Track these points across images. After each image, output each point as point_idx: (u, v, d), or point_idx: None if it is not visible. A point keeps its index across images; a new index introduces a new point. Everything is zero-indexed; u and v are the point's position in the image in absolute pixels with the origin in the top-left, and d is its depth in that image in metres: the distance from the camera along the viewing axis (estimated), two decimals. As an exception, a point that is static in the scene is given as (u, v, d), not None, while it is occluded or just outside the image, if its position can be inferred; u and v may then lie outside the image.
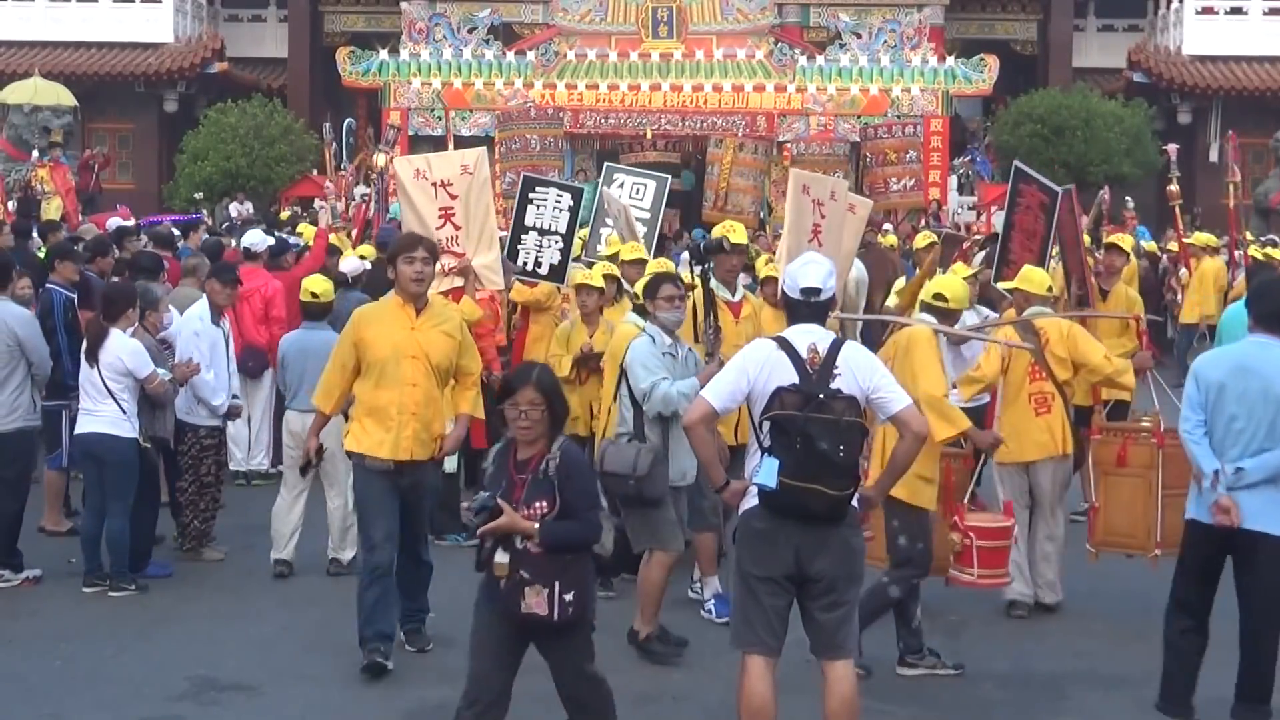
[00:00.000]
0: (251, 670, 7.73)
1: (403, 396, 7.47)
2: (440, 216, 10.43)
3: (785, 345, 5.90)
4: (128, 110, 33.74)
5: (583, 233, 13.38)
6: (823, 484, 5.67)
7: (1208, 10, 33.56)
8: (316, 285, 9.94)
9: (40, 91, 27.37)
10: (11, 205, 20.46)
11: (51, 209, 21.31)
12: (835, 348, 5.86)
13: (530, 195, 12.82)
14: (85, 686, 7.40)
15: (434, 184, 10.47)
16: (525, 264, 12.28)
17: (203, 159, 30.03)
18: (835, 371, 5.81)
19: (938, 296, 7.97)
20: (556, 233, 13.13)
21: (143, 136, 34.31)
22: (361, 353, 7.58)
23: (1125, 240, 13.15)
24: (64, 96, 27.65)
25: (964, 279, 8.70)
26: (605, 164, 15.59)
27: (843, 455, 5.67)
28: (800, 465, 5.64)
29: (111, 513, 9.11)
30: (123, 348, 9.11)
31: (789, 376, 5.79)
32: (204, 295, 10.37)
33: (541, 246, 12.74)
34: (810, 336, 5.93)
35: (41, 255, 13.44)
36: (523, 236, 12.72)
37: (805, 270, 6.05)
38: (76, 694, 7.29)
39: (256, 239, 13.62)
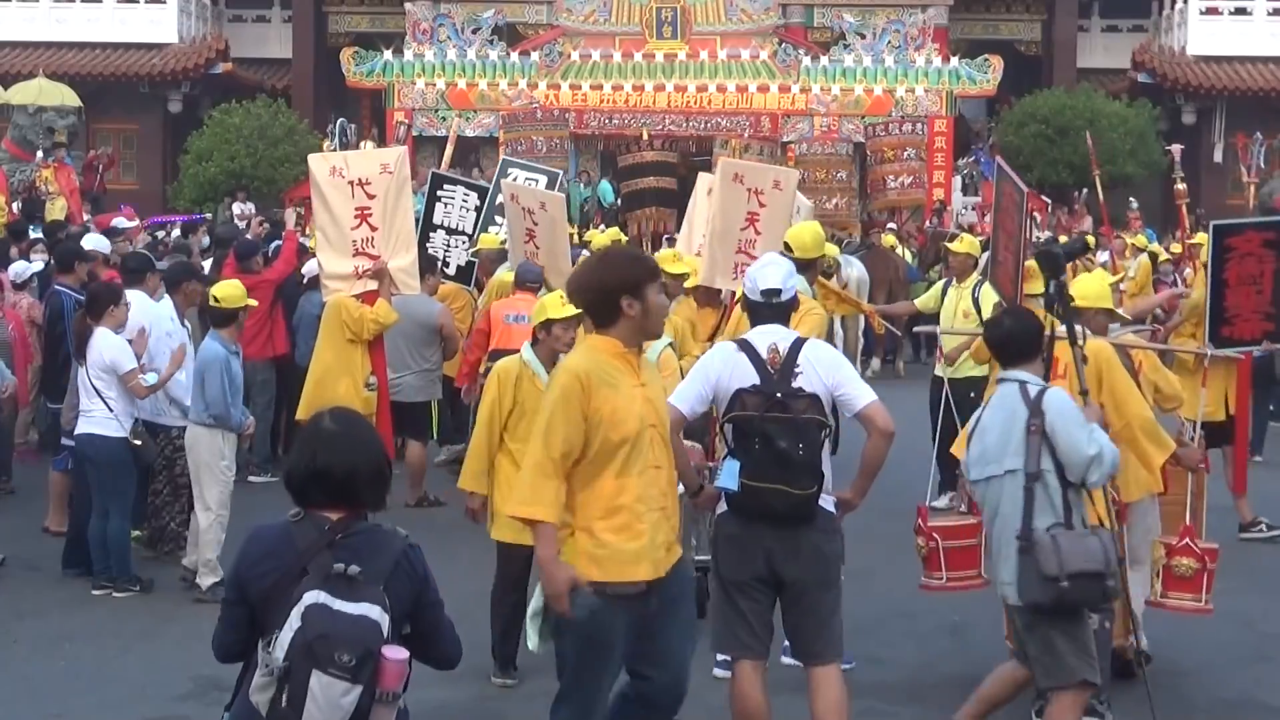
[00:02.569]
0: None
1: (648, 486, 5.34)
2: (356, 216, 9.95)
3: (746, 346, 5.95)
4: (132, 111, 33.74)
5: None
6: (784, 483, 5.69)
7: (1212, 11, 33.52)
8: (222, 290, 9.36)
9: (45, 92, 27.36)
10: (16, 206, 20.49)
11: (56, 209, 21.33)
12: (796, 347, 5.89)
13: (439, 193, 12.79)
14: (89, 686, 7.41)
15: (351, 182, 9.93)
16: (435, 264, 12.33)
17: (207, 159, 30.04)
18: (796, 370, 5.83)
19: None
20: (463, 232, 13.14)
21: (147, 137, 34.32)
22: (595, 431, 5.23)
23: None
24: (68, 97, 27.65)
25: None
26: (502, 158, 15.42)
27: (802, 453, 5.69)
28: (760, 465, 5.68)
29: (111, 513, 9.10)
30: (104, 344, 9.07)
31: (749, 378, 5.82)
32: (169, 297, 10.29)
33: (449, 246, 12.74)
34: (771, 337, 5.97)
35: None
36: (431, 235, 12.72)
37: (765, 272, 6.10)
38: (80, 694, 7.29)
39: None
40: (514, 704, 7.43)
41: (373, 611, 3.85)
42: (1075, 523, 5.88)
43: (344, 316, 9.99)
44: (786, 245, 8.00)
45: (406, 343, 11.27)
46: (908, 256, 22.38)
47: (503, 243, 12.75)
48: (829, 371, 5.85)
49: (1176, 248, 20.27)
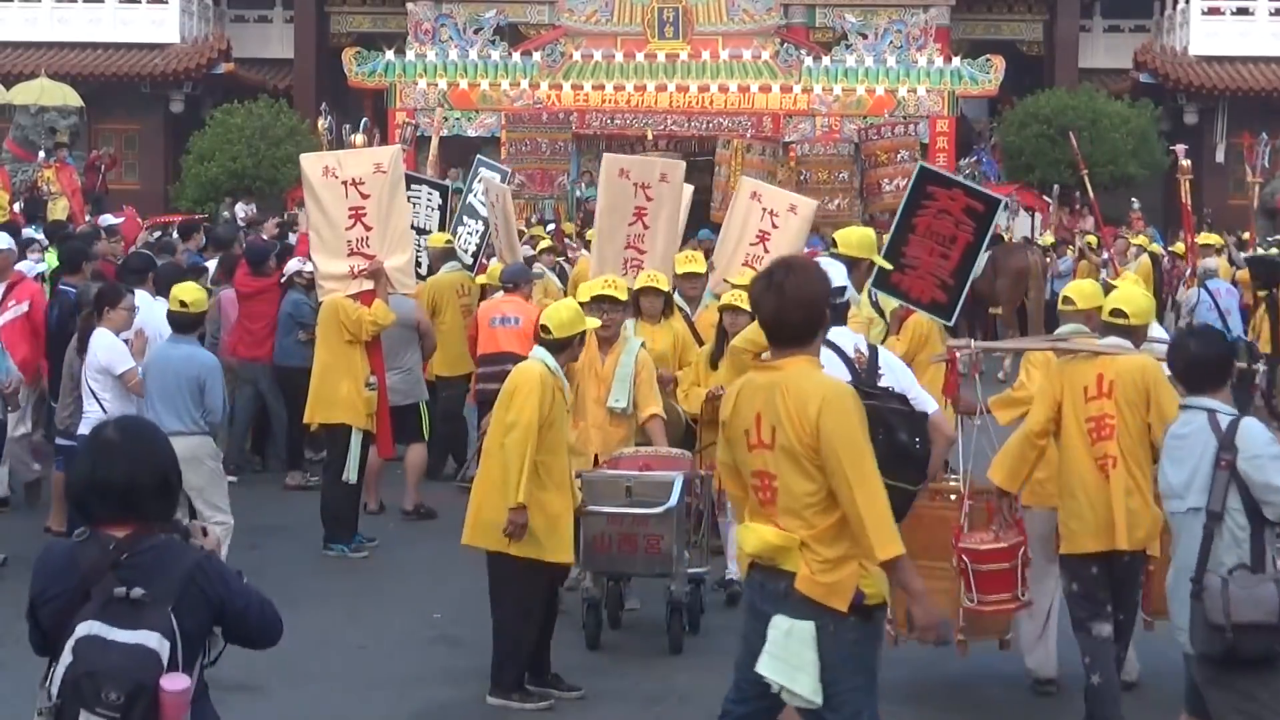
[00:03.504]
0: (257, 671, 7.72)
1: None
2: (350, 216, 9.91)
3: (832, 346, 5.86)
4: (134, 111, 33.75)
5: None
6: (902, 479, 5.48)
7: (1214, 11, 33.51)
8: (186, 294, 9.03)
9: (46, 92, 27.37)
10: (18, 206, 20.48)
11: (58, 209, 21.31)
12: (874, 350, 5.93)
13: (407, 193, 12.81)
14: (91, 687, 7.40)
15: (344, 182, 9.90)
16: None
17: (209, 160, 30.04)
18: (879, 371, 5.86)
19: (1117, 312, 6.90)
20: (429, 231, 13.15)
21: (149, 137, 34.32)
22: None
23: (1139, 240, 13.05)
24: (70, 97, 27.66)
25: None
26: (477, 157, 15.43)
27: (919, 447, 5.64)
28: (882, 460, 5.01)
29: None
30: (101, 344, 9.03)
31: (844, 375, 5.71)
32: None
33: (419, 246, 12.73)
34: (850, 338, 5.99)
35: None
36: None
37: (831, 272, 5.76)
38: (82, 694, 7.28)
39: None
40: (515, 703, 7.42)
41: (150, 640, 3.65)
42: (1267, 566, 5.30)
43: (342, 318, 9.94)
44: (834, 242, 7.86)
45: (388, 345, 10.70)
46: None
47: (448, 242, 12.76)
48: (901, 376, 6.00)
49: (1178, 247, 20.26)
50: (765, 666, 4.81)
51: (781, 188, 28.00)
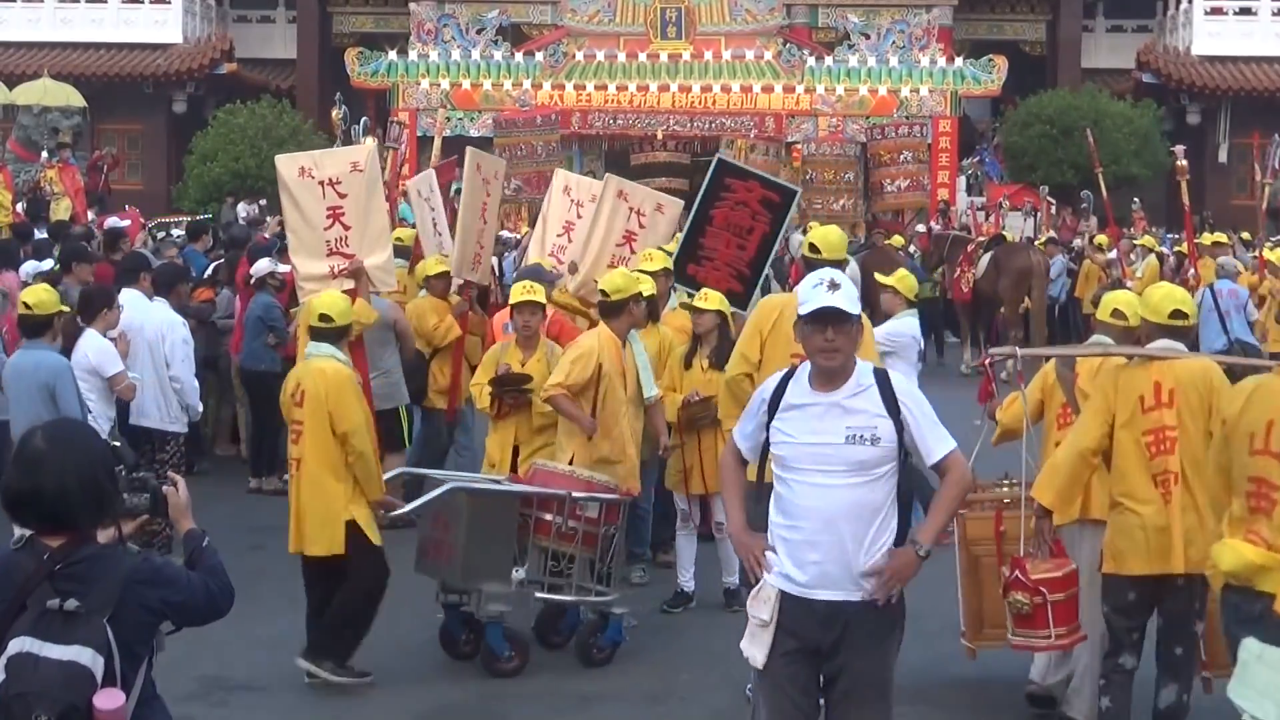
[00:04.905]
0: (260, 671, 7.74)
1: None
2: (328, 216, 9.80)
3: None
4: (137, 111, 33.77)
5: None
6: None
7: (1217, 11, 33.50)
8: (32, 296, 8.65)
9: (49, 92, 27.37)
10: (21, 206, 20.48)
11: (60, 210, 21.30)
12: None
13: None
14: (93, 686, 7.41)
15: (321, 183, 9.78)
16: None
17: (211, 160, 30.06)
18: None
19: (1177, 314, 6.31)
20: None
21: (151, 137, 34.35)
22: None
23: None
24: (73, 97, 27.65)
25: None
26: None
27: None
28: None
29: None
30: (90, 346, 8.96)
31: None
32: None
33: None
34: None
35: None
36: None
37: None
38: (85, 694, 7.29)
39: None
40: (517, 704, 7.43)
41: (84, 655, 3.55)
42: None
43: None
44: (814, 247, 7.50)
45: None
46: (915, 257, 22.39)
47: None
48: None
49: (1180, 247, 20.23)
50: (1233, 691, 4.62)
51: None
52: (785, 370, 5.04)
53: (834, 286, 4.76)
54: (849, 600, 4.73)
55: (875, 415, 4.76)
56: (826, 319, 4.72)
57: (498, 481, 8.16)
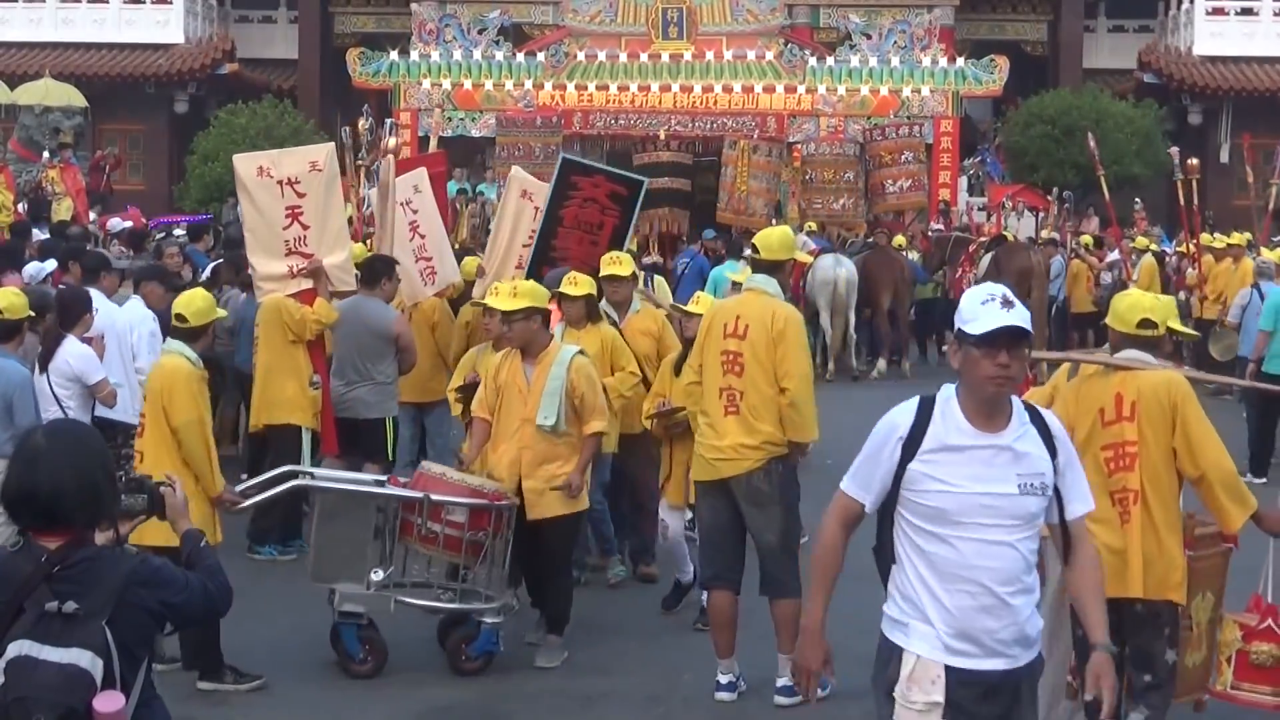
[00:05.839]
0: (262, 671, 7.74)
1: None
2: (287, 216, 9.82)
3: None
4: (138, 111, 33.77)
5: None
6: None
7: (1218, 11, 33.47)
8: (4, 299, 8.46)
9: (51, 92, 27.39)
10: (22, 206, 20.49)
11: (62, 210, 21.32)
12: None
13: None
14: (95, 687, 7.40)
15: (280, 182, 9.80)
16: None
17: (213, 160, 30.04)
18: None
19: (1145, 323, 5.98)
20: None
21: (153, 137, 34.35)
22: None
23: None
24: (75, 98, 27.67)
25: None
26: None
27: None
28: None
29: None
30: (71, 352, 8.82)
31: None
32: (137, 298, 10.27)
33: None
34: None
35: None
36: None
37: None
38: (86, 694, 7.29)
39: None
40: (518, 704, 7.43)
41: (83, 658, 3.55)
42: None
43: (284, 318, 9.84)
44: (754, 247, 7.47)
45: (359, 353, 10.12)
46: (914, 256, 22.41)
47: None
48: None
49: (1181, 248, 20.25)
50: None
51: (788, 188, 28.24)
52: (917, 401, 4.33)
53: (1008, 304, 4.11)
54: (1019, 666, 4.24)
55: (1040, 459, 4.21)
56: (1001, 340, 4.08)
57: (381, 483, 7.94)
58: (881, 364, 20.25)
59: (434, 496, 7.48)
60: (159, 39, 33.92)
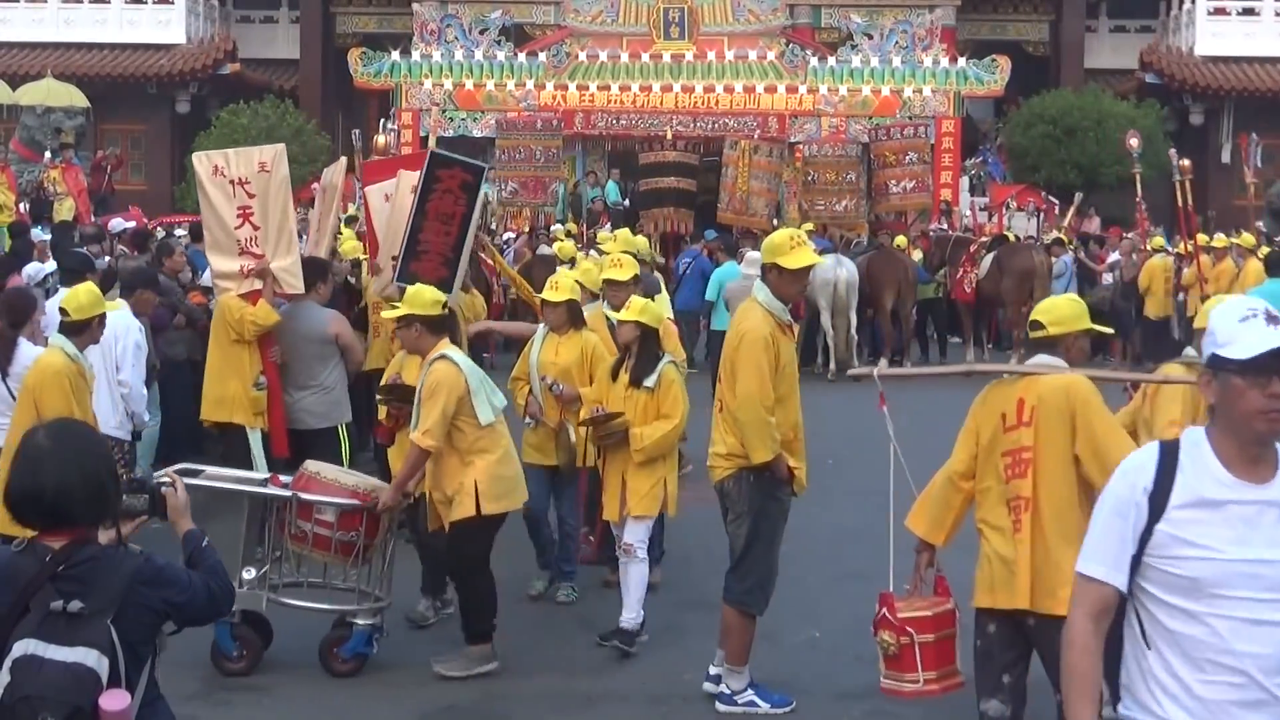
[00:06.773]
0: (263, 670, 7.75)
1: None
2: (239, 216, 9.82)
3: None
4: (140, 111, 33.80)
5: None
6: None
7: (1220, 11, 33.48)
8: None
9: (53, 93, 27.41)
10: (24, 206, 20.51)
11: (64, 210, 21.34)
12: None
13: None
14: (96, 686, 7.41)
15: (232, 182, 9.79)
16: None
17: (214, 160, 30.08)
18: None
19: (1034, 324, 5.85)
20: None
21: (155, 137, 34.38)
22: None
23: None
24: (76, 98, 27.70)
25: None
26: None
27: None
28: None
29: None
30: (29, 356, 8.53)
31: None
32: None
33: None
34: None
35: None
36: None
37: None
38: (88, 694, 7.29)
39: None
40: (519, 704, 7.44)
41: (89, 657, 3.57)
42: None
43: (227, 317, 9.81)
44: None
45: (299, 360, 9.81)
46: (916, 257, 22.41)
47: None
48: None
49: (1181, 247, 20.27)
50: None
51: (789, 188, 28.22)
52: (1156, 447, 3.52)
53: (1273, 319, 3.32)
54: None
55: None
56: (1273, 366, 3.29)
57: (264, 481, 7.95)
58: (883, 363, 20.24)
59: (302, 496, 7.57)
60: (161, 39, 33.97)
